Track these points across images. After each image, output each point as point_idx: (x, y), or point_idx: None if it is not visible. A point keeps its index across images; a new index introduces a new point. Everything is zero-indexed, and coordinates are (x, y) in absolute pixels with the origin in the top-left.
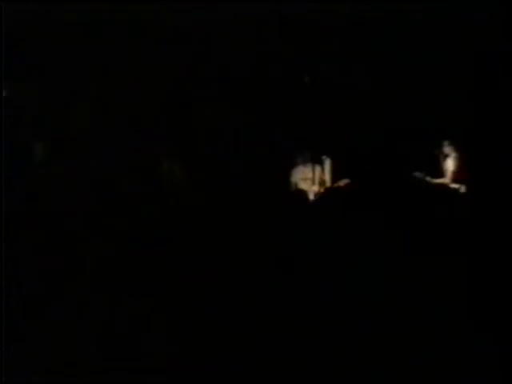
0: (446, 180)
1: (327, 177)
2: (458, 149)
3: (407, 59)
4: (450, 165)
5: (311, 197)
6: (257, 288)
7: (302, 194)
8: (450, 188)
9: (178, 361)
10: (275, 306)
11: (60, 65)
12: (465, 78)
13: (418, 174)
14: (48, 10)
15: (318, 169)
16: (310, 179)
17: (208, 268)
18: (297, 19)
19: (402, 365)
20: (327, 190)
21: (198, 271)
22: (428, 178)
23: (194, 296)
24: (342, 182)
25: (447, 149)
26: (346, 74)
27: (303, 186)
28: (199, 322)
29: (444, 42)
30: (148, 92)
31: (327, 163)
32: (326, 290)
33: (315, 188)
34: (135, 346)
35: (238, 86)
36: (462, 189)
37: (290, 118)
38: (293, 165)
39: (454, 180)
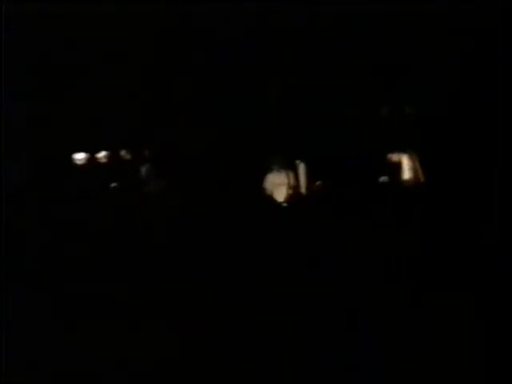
0: (405, 181)
1: (302, 181)
2: (412, 155)
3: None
4: (406, 169)
5: (286, 201)
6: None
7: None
8: (409, 188)
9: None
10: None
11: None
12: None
13: (382, 179)
14: None
15: (291, 173)
16: (284, 184)
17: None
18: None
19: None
20: (301, 193)
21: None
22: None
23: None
24: (316, 186)
25: (403, 156)
26: (317, 80)
27: (278, 190)
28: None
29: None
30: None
31: (301, 168)
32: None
33: (290, 192)
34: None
35: (214, 92)
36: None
37: (263, 123)
38: (267, 170)
39: (411, 181)
